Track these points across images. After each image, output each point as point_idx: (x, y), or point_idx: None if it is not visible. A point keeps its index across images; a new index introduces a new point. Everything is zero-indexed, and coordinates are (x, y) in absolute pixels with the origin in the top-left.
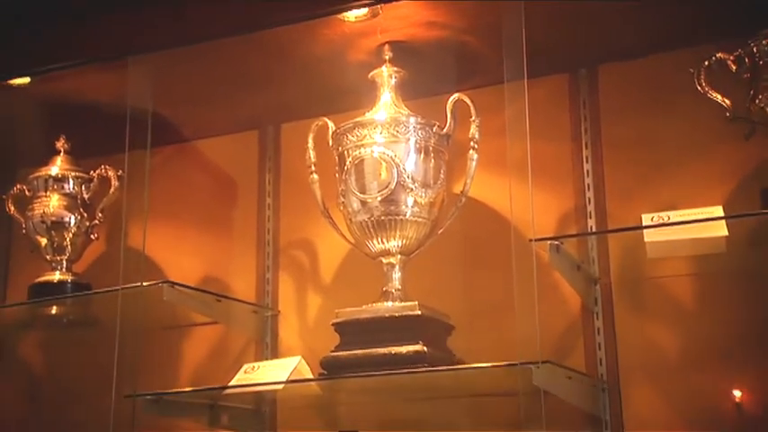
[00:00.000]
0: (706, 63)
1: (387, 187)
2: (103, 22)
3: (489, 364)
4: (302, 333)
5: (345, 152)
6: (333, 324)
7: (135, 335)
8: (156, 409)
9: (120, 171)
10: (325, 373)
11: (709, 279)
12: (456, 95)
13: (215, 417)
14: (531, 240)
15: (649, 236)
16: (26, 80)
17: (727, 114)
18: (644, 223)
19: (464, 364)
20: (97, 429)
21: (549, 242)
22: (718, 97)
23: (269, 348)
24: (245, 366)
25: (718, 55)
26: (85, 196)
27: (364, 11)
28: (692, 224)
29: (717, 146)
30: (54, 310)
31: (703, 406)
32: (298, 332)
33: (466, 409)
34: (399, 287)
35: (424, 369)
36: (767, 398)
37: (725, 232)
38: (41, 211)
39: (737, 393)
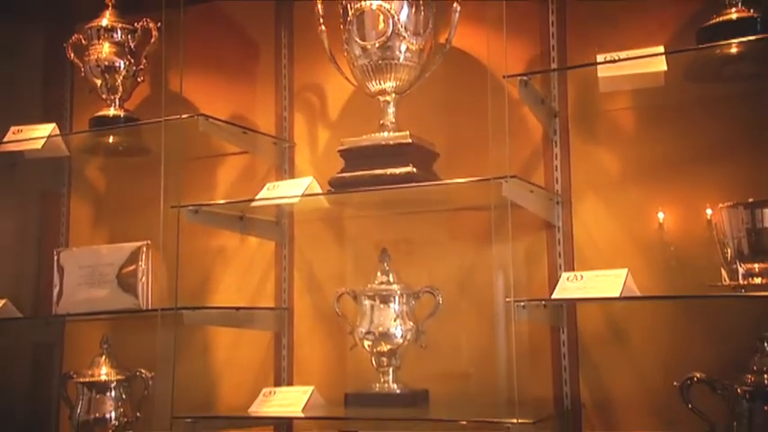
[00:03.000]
0: None
1: (383, 35)
2: None
3: (468, 179)
4: (313, 161)
5: (348, 5)
6: (339, 151)
7: (177, 159)
8: (196, 218)
9: (159, 23)
10: (333, 190)
11: (648, 111)
12: None
13: (244, 226)
14: (504, 77)
15: (602, 71)
16: None
17: None
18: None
19: None
20: (150, 234)
21: (518, 78)
22: None
23: (287, 173)
24: (268, 185)
25: None
26: (131, 45)
27: None
28: (638, 60)
29: None
30: (111, 139)
31: (637, 216)
32: (310, 160)
33: (446, 222)
34: (393, 120)
35: (414, 185)
36: (689, 207)
37: (664, 67)
38: (96, 57)
39: (662, 214)
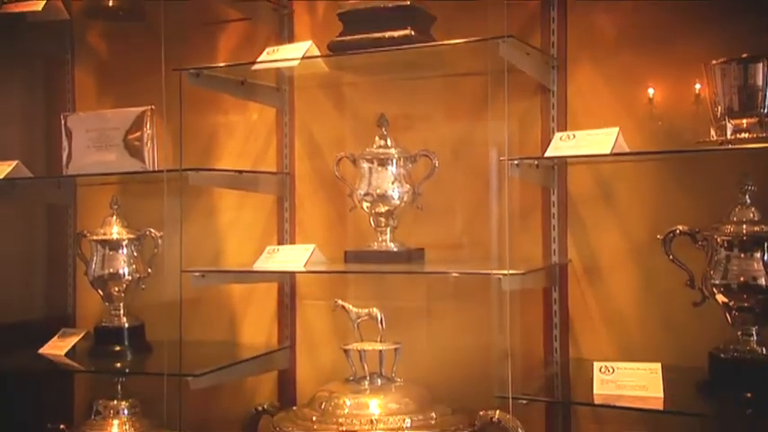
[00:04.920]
0: None
1: None
2: None
3: (465, 40)
4: (312, 28)
5: None
6: (338, 14)
7: (178, 23)
8: (198, 82)
9: None
10: (332, 53)
11: None
12: None
13: (246, 91)
14: None
15: None
16: None
17: None
18: None
19: None
20: (154, 100)
21: None
22: None
23: (286, 40)
24: (267, 49)
25: None
26: None
27: None
28: None
29: None
30: (110, 2)
31: (632, 81)
32: (309, 27)
33: (443, 88)
34: None
35: (412, 46)
36: (682, 71)
37: None
38: None
39: (652, 89)
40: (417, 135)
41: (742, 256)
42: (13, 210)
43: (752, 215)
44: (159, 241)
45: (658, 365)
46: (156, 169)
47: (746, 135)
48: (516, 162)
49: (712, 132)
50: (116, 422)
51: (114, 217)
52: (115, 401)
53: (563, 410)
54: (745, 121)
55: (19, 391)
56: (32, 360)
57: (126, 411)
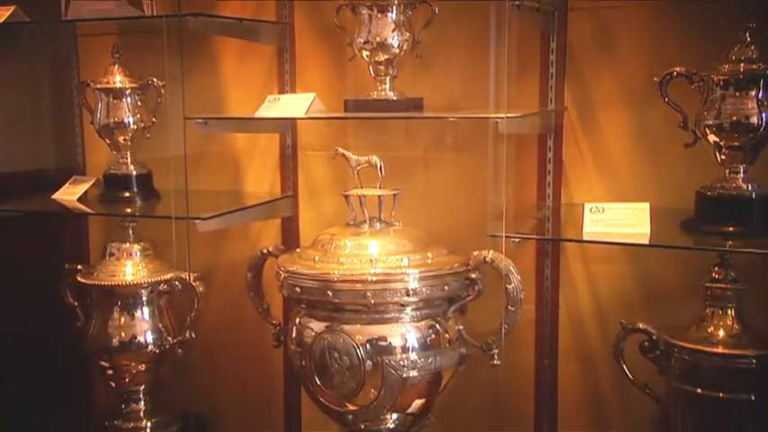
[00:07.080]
0: None
1: None
2: None
3: None
4: None
5: None
6: None
7: None
8: None
9: None
10: None
11: None
12: None
13: None
14: None
15: None
16: None
17: None
18: None
19: None
20: None
21: None
22: None
23: None
24: None
25: None
26: None
27: None
28: None
29: None
30: None
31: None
32: None
33: None
34: None
35: None
36: None
37: None
38: None
39: None
40: None
41: (737, 94)
42: (15, 60)
43: (751, 53)
44: (162, 90)
45: (647, 205)
46: (155, 14)
47: None
48: (517, 3)
49: None
50: (129, 263)
51: (116, 66)
52: (128, 244)
53: (553, 247)
54: None
55: (36, 235)
56: (46, 204)
57: (138, 253)
